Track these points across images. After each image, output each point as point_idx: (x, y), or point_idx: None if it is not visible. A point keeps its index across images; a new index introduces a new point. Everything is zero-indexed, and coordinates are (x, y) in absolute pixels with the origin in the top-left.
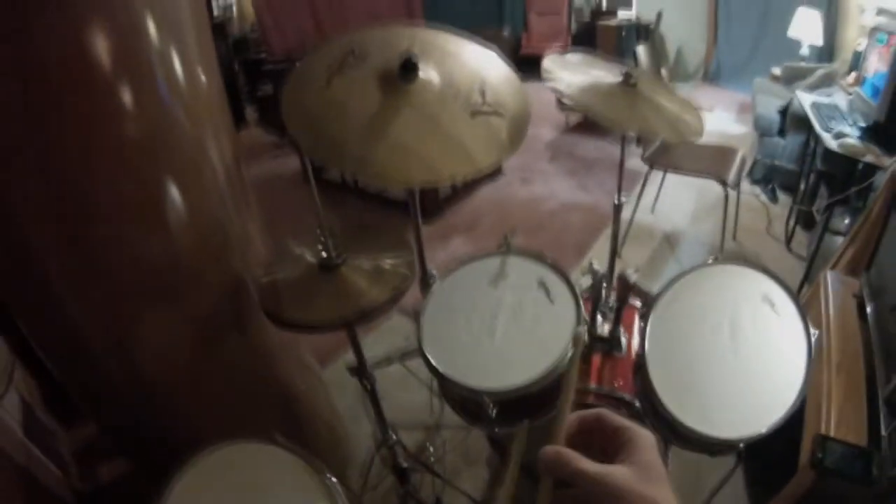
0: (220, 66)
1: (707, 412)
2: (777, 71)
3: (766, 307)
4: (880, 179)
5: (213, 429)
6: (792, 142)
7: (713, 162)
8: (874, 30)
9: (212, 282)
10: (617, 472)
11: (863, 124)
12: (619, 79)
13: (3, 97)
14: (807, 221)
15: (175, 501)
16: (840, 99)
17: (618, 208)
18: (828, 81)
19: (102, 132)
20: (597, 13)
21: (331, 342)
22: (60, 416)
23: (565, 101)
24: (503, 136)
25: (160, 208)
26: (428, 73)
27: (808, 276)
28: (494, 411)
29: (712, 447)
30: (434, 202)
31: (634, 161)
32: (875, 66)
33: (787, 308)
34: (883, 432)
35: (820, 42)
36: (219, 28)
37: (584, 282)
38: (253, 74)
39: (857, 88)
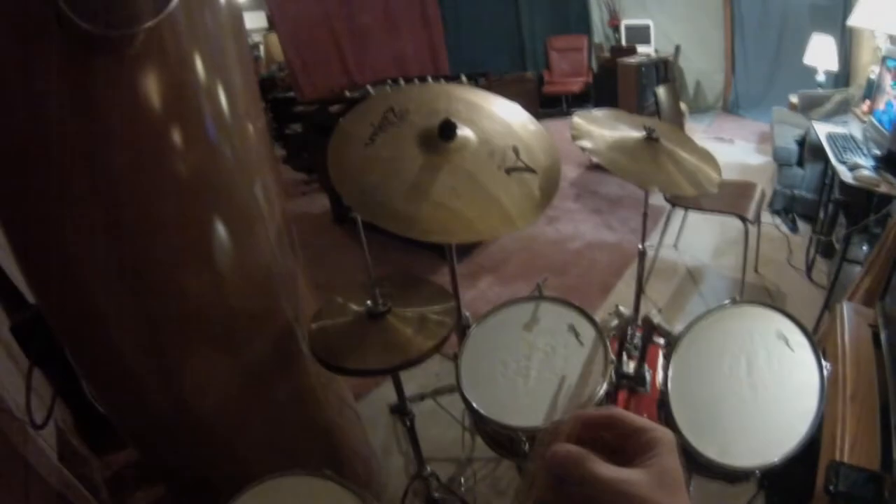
0: None
1: (725, 444)
2: (794, 99)
3: (780, 343)
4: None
5: (256, 463)
6: (811, 171)
7: (732, 199)
8: (885, 58)
9: (261, 325)
10: (634, 479)
11: (877, 153)
12: (643, 134)
13: (56, 134)
14: (827, 250)
15: None
16: (855, 128)
17: (642, 254)
18: (844, 108)
19: (153, 168)
20: (617, 49)
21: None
22: (93, 444)
23: (595, 159)
24: (536, 192)
25: (208, 248)
26: (464, 131)
27: (828, 306)
28: (527, 446)
29: (730, 476)
30: (463, 243)
31: (657, 198)
32: (888, 93)
33: (800, 343)
34: (895, 457)
35: (835, 68)
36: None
37: (610, 322)
38: (281, 113)
39: (870, 117)
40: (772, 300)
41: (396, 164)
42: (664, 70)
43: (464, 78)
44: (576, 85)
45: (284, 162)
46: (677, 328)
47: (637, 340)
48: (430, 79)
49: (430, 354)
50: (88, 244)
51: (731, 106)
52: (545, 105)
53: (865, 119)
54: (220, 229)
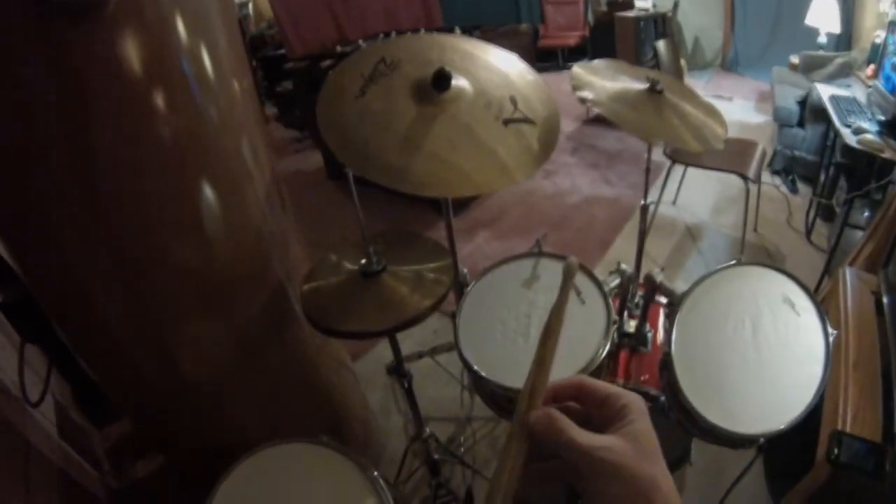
0: None
1: (729, 408)
2: (795, 59)
3: (786, 307)
4: None
5: (255, 429)
6: (812, 133)
7: (734, 156)
8: (892, 23)
9: (252, 288)
10: (613, 446)
11: (881, 118)
12: (646, 86)
13: (35, 103)
14: (827, 213)
15: (224, 496)
16: (859, 91)
17: (644, 209)
18: (845, 71)
19: (135, 133)
20: (613, 3)
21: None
22: (92, 415)
23: (597, 110)
24: (535, 144)
25: (197, 211)
26: (459, 81)
27: (829, 270)
28: None
29: (733, 441)
30: (459, 197)
31: (656, 154)
32: (894, 59)
33: (806, 308)
34: None
35: (837, 30)
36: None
37: (612, 281)
38: (271, 71)
39: (875, 81)
40: (771, 261)
41: (389, 116)
42: (662, 25)
43: (458, 31)
44: (572, 39)
45: (276, 120)
46: (677, 286)
47: (638, 299)
48: (423, 32)
49: (428, 314)
50: (69, 215)
51: (729, 64)
52: (541, 59)
53: (870, 83)
54: (208, 192)
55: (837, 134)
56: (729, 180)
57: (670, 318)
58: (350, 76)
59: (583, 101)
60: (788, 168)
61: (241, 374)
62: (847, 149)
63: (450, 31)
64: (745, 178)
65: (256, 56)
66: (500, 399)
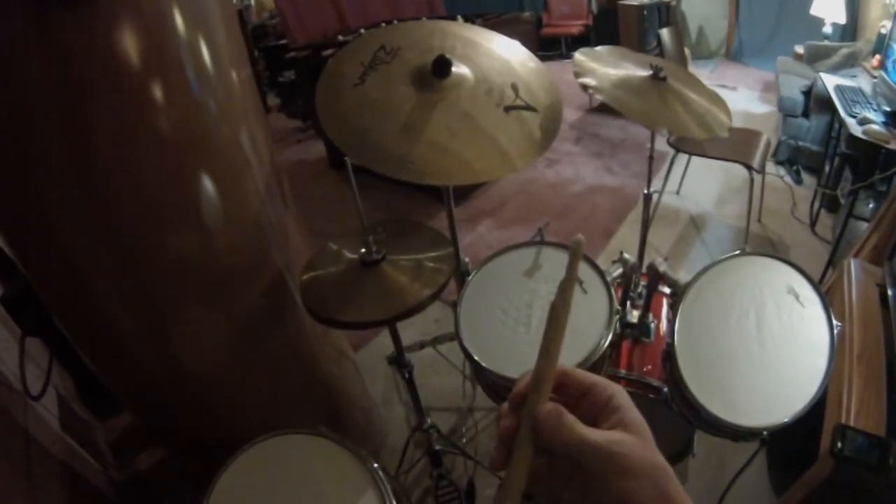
0: None
1: (732, 400)
2: (800, 49)
3: (790, 298)
4: None
5: (254, 420)
6: (816, 123)
7: (738, 146)
8: None
9: (252, 278)
10: (624, 440)
11: (887, 109)
12: (649, 72)
13: (32, 90)
14: (831, 204)
15: (223, 489)
16: (864, 82)
17: (648, 198)
18: (850, 61)
19: (133, 126)
20: None
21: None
22: (95, 407)
23: (599, 97)
24: (537, 131)
25: (196, 203)
26: (460, 68)
27: (833, 261)
28: None
29: (736, 434)
30: (461, 185)
31: (660, 143)
32: None
33: (811, 299)
34: None
35: (843, 20)
36: (237, 16)
37: (615, 270)
38: (273, 61)
39: (881, 72)
40: (775, 252)
41: (388, 103)
42: (666, 14)
43: (460, 18)
44: (575, 27)
45: (279, 110)
46: (680, 276)
47: (641, 289)
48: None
49: (427, 304)
50: (69, 208)
51: (734, 53)
52: (544, 48)
53: (875, 74)
54: (207, 184)
55: (843, 124)
56: (733, 170)
57: (673, 308)
58: (349, 64)
59: (585, 87)
60: (793, 158)
61: (241, 364)
62: (852, 139)
63: (452, 19)
64: (749, 168)
65: (258, 46)
66: (500, 390)
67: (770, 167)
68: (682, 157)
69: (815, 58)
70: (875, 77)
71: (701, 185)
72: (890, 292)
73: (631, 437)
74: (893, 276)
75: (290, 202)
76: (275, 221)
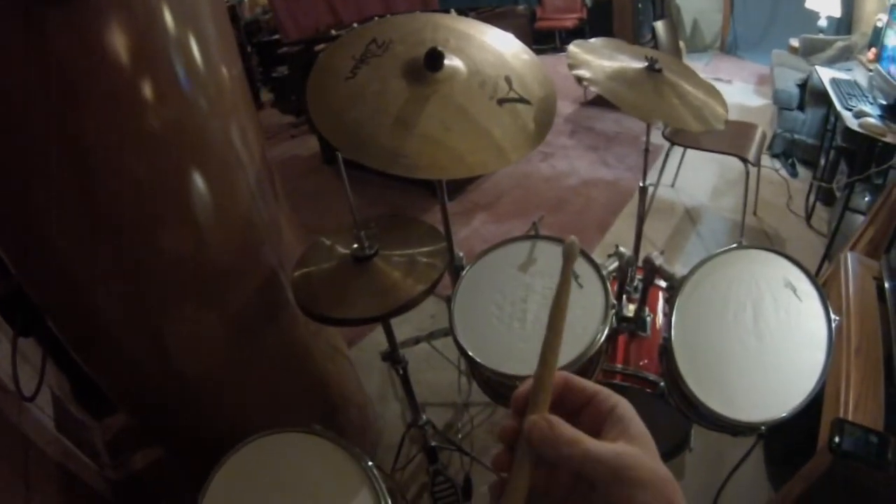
0: None
1: (730, 395)
2: (795, 42)
3: (788, 292)
4: None
5: (249, 418)
6: (812, 116)
7: (733, 139)
8: (894, 6)
9: (244, 276)
10: (632, 453)
11: (883, 102)
12: (644, 64)
13: (22, 91)
14: (827, 197)
15: (218, 489)
16: (860, 75)
17: (643, 191)
18: (846, 55)
19: (123, 123)
20: None
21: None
22: (90, 407)
23: (594, 89)
24: (530, 124)
25: (187, 200)
26: (453, 61)
27: (829, 255)
28: None
29: (734, 428)
30: (455, 179)
31: (655, 135)
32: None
33: (808, 293)
34: None
35: (838, 13)
36: (230, 11)
37: (610, 264)
38: (267, 56)
39: (877, 65)
40: (771, 245)
41: (380, 97)
42: (661, 6)
43: (453, 12)
44: (569, 20)
45: (272, 105)
46: (676, 269)
47: (637, 282)
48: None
49: (421, 300)
50: (59, 206)
51: (728, 46)
52: (538, 41)
53: (871, 67)
54: (198, 180)
55: (838, 117)
56: (728, 163)
57: (670, 302)
58: (341, 58)
59: (579, 79)
60: (788, 151)
61: (235, 362)
62: (848, 132)
63: (445, 12)
64: (744, 160)
65: (251, 42)
66: (495, 385)
67: (765, 160)
68: (677, 150)
69: (810, 51)
70: (871, 70)
71: (696, 177)
72: (887, 286)
73: (637, 450)
74: (890, 270)
75: (283, 198)
76: (266, 218)
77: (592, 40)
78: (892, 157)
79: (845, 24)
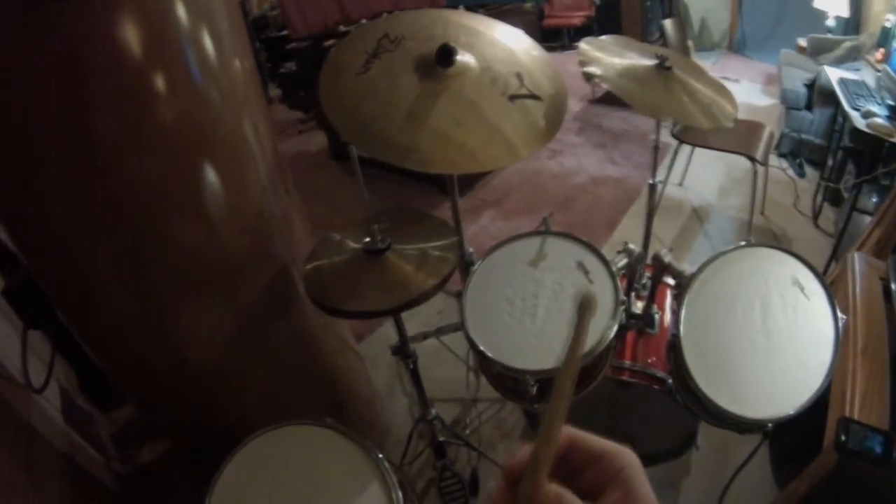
0: None
1: (738, 392)
2: (803, 42)
3: (795, 290)
4: None
5: (259, 411)
6: (819, 116)
7: (741, 138)
8: None
9: (255, 269)
10: None
11: (891, 103)
12: (654, 62)
13: (34, 88)
14: (834, 198)
15: (228, 480)
16: (868, 75)
17: (653, 189)
18: (854, 55)
19: (135, 116)
20: None
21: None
22: (97, 400)
23: (605, 86)
24: (541, 121)
25: (199, 194)
26: (464, 57)
27: (836, 255)
28: (535, 389)
29: (741, 426)
30: (464, 176)
31: (663, 134)
32: None
33: (815, 291)
34: None
35: (846, 13)
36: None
37: (619, 260)
38: (275, 52)
39: (885, 66)
40: (778, 244)
41: (392, 92)
42: (668, 5)
43: (462, 8)
44: (577, 18)
45: (280, 101)
46: (683, 267)
47: (646, 280)
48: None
49: (433, 294)
50: (72, 200)
51: (736, 45)
52: (546, 39)
53: (879, 67)
54: (209, 174)
55: (846, 117)
56: (736, 162)
57: (678, 299)
58: (352, 52)
59: (590, 77)
60: (796, 151)
61: (245, 355)
62: (856, 133)
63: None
64: (752, 160)
65: (259, 37)
66: (505, 380)
67: (773, 160)
68: (686, 149)
69: (818, 51)
70: (879, 71)
71: (704, 176)
72: (893, 286)
73: None
74: None
75: (294, 193)
76: (277, 211)
77: (603, 38)
78: None
79: (853, 23)
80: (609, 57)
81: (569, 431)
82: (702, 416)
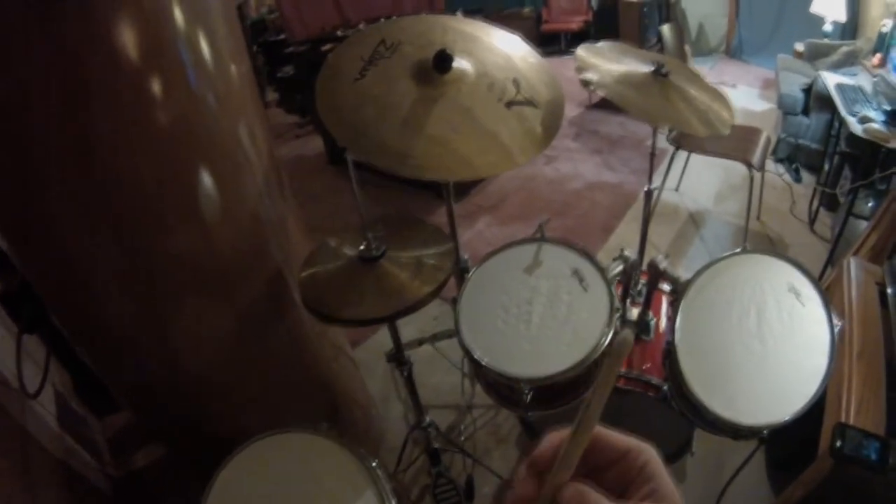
0: None
1: (733, 399)
2: (800, 47)
3: (791, 296)
4: None
5: (253, 416)
6: (816, 121)
7: (738, 143)
8: None
9: (251, 273)
10: None
11: (887, 108)
12: (651, 68)
13: (33, 89)
14: (830, 203)
15: (222, 487)
16: (864, 80)
17: (649, 195)
18: (851, 60)
19: (132, 119)
20: None
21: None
22: (92, 404)
23: (601, 92)
24: (538, 127)
25: (194, 198)
26: (461, 63)
27: (832, 260)
28: (529, 396)
29: (737, 432)
30: (460, 182)
31: (660, 139)
32: None
33: (811, 298)
34: None
35: (843, 18)
36: (237, 10)
37: (615, 267)
38: (272, 56)
39: (881, 71)
40: (774, 250)
41: (389, 98)
42: (666, 10)
43: (460, 14)
44: (575, 23)
45: (278, 105)
46: (679, 273)
47: (641, 286)
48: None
49: (428, 301)
50: (68, 202)
51: (733, 51)
52: (543, 44)
53: (876, 73)
54: (205, 178)
55: (843, 123)
56: (732, 168)
57: (674, 305)
58: (349, 58)
59: (587, 83)
60: (792, 156)
61: (240, 361)
62: (852, 138)
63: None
64: (749, 165)
65: (257, 41)
66: (500, 387)
67: (769, 165)
68: (682, 154)
69: (815, 56)
70: (875, 76)
71: (700, 182)
72: (889, 291)
73: None
74: (893, 275)
75: (290, 198)
76: (274, 216)
77: (599, 44)
78: None
79: (850, 28)
80: (606, 63)
81: (595, 430)
82: (697, 422)
